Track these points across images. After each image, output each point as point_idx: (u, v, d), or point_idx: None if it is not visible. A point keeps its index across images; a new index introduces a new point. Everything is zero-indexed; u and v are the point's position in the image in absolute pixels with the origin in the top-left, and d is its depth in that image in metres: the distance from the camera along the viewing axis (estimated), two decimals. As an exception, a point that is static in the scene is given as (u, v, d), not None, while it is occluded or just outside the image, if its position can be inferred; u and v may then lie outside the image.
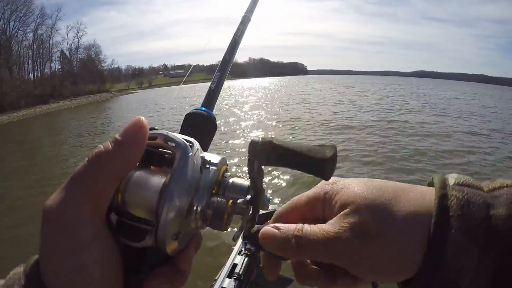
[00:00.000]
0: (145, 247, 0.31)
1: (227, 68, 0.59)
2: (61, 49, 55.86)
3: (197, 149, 0.33)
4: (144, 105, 29.56)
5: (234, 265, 1.14)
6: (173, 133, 0.33)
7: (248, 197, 0.35)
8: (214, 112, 0.51)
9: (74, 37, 58.74)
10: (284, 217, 0.40)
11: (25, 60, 47.13)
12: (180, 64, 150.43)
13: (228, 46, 0.64)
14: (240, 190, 0.35)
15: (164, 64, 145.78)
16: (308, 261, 0.39)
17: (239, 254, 1.19)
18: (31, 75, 47.82)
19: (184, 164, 0.31)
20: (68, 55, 57.50)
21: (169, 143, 0.33)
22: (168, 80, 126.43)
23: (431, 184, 0.35)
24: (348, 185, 0.36)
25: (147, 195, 0.31)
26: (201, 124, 0.46)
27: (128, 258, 0.32)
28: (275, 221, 0.40)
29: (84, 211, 0.28)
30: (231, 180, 0.36)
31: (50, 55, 52.24)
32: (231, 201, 0.34)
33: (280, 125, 11.50)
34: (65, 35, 59.24)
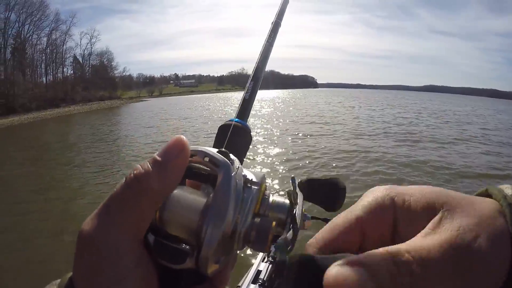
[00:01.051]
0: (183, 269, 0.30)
1: (261, 76, 0.57)
2: (74, 54, 56.65)
3: (238, 167, 0.32)
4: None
5: (259, 272, 0.96)
6: (212, 150, 0.32)
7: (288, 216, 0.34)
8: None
9: (87, 43, 59.60)
10: (331, 243, 0.32)
11: (38, 63, 47.78)
12: (191, 74, 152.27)
13: (261, 54, 0.61)
14: (281, 209, 0.34)
15: (175, 73, 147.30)
16: None
17: (262, 261, 1.11)
18: (44, 79, 48.52)
19: (228, 185, 0.30)
20: (81, 61, 58.23)
21: (209, 161, 0.31)
22: (178, 89, 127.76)
23: (479, 195, 0.31)
24: (416, 188, 0.30)
25: (188, 215, 0.30)
26: (237, 136, 0.44)
27: (162, 279, 0.31)
28: (320, 248, 0.32)
29: (125, 237, 0.27)
30: (271, 198, 0.35)
31: (63, 60, 52.92)
32: (274, 222, 0.33)
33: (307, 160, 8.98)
34: (79, 41, 59.95)
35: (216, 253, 0.29)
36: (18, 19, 43.08)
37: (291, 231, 0.33)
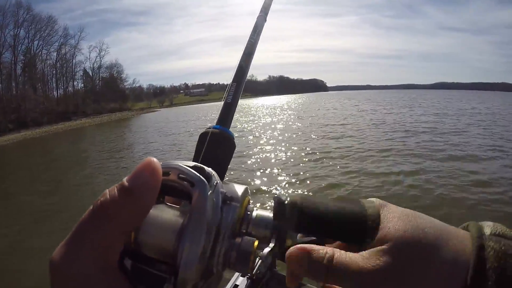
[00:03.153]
0: None
1: (244, 77, 0.53)
2: (84, 68, 57.76)
3: (216, 183, 0.31)
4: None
5: (235, 286, 1.07)
6: (187, 166, 0.30)
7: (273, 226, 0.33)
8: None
9: (97, 56, 60.73)
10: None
11: (49, 78, 48.76)
12: (200, 83, 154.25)
13: (244, 52, 0.57)
14: (266, 223, 0.33)
15: (185, 83, 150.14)
16: None
17: (243, 276, 1.11)
18: (55, 93, 49.40)
19: (203, 205, 0.28)
20: (91, 74, 59.22)
21: (183, 179, 0.30)
22: (189, 98, 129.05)
23: (465, 229, 0.34)
24: (392, 217, 0.33)
25: (163, 236, 0.29)
26: (218, 145, 0.43)
27: None
28: None
29: (95, 265, 0.26)
30: (255, 213, 0.34)
31: (73, 73, 53.97)
32: (257, 241, 0.31)
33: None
34: (88, 55, 61.66)
35: (194, 277, 0.28)
36: (27, 35, 44.29)
37: (276, 246, 0.32)
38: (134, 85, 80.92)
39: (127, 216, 0.27)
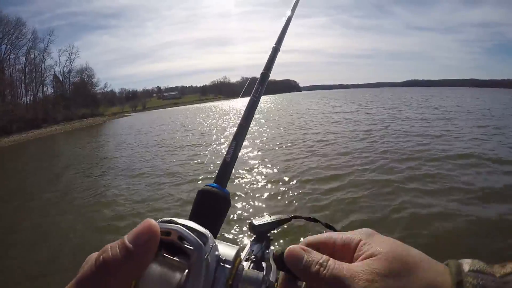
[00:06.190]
0: None
1: (244, 135, 0.55)
2: (54, 72, 55.73)
3: (212, 246, 0.33)
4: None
5: None
6: (187, 227, 0.33)
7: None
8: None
9: (67, 60, 59.14)
10: (313, 246, 0.42)
11: (18, 84, 46.75)
12: (173, 86, 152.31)
13: (246, 109, 0.59)
14: (254, 281, 0.36)
15: (158, 86, 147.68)
16: None
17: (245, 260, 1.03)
18: (24, 99, 47.51)
19: (199, 267, 0.31)
20: (61, 79, 57.20)
21: (183, 241, 0.32)
22: (162, 102, 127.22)
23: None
24: (381, 241, 0.40)
25: None
26: (214, 204, 0.46)
27: None
28: (306, 245, 0.43)
29: None
30: (244, 272, 0.36)
31: (43, 78, 52.20)
32: None
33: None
34: (58, 59, 59.78)
35: None
36: (-6, 39, 42.21)
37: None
38: (106, 89, 79.43)
39: (128, 272, 0.29)
